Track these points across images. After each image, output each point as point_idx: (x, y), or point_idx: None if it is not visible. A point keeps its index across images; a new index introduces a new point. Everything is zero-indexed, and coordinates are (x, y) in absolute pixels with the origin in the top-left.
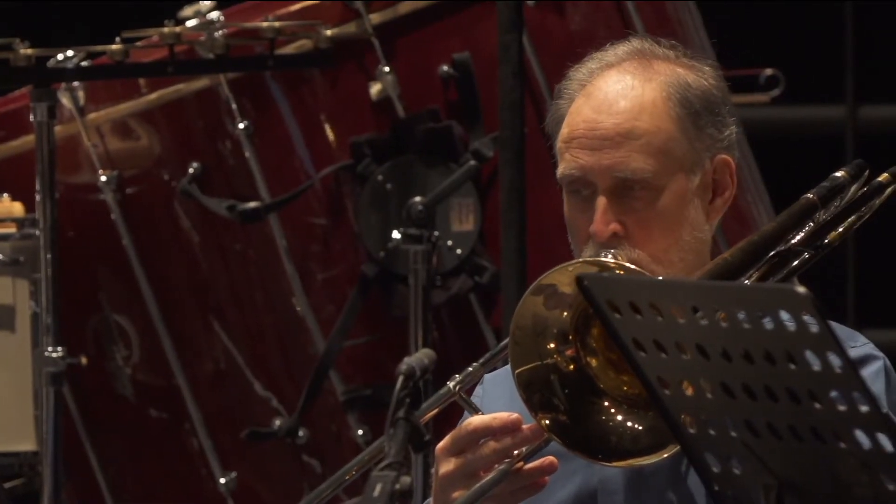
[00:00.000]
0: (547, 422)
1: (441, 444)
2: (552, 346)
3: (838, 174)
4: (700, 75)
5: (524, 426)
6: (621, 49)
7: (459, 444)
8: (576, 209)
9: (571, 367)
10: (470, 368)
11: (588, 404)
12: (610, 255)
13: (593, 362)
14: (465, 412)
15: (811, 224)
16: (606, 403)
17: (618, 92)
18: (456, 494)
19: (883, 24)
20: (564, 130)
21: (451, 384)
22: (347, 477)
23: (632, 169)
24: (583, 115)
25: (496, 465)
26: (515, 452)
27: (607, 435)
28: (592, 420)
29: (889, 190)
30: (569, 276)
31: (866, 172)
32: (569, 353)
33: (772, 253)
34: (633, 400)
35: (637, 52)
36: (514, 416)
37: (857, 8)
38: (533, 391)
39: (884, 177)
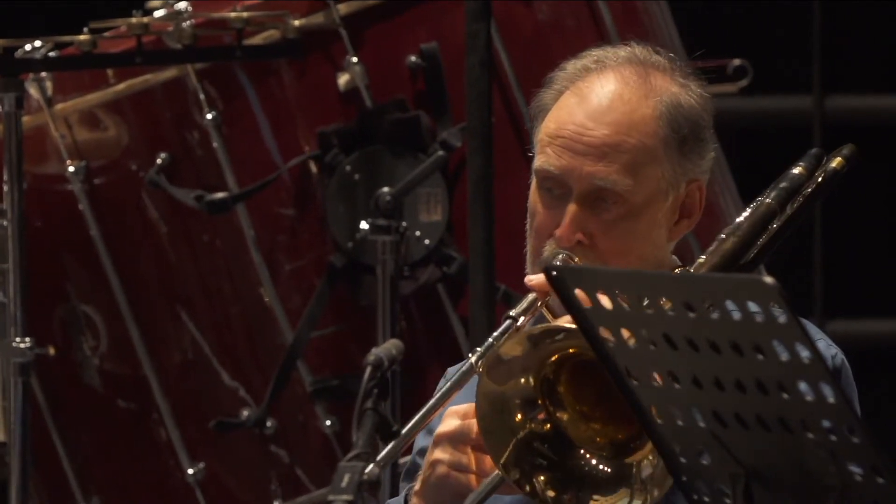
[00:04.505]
0: (542, 480)
1: (457, 407)
2: (520, 417)
3: (795, 171)
4: (691, 96)
5: None
6: (621, 53)
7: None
8: (543, 204)
9: (547, 426)
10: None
11: (571, 456)
12: (561, 258)
13: (564, 417)
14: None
15: (773, 226)
16: (584, 453)
17: (611, 101)
18: (443, 455)
19: (850, 15)
20: (551, 125)
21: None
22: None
23: (611, 181)
24: (574, 116)
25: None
26: None
27: (594, 480)
28: (578, 470)
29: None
30: (512, 343)
31: (824, 160)
32: (540, 416)
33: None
34: (604, 447)
35: (636, 61)
36: None
37: None
38: (522, 468)
39: (837, 162)
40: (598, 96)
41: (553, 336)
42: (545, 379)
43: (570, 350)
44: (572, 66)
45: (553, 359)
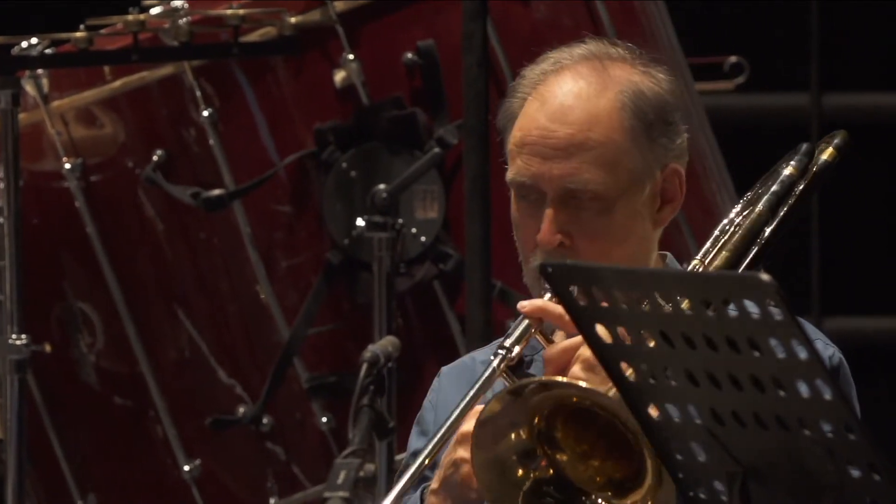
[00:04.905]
0: None
1: (481, 407)
2: (521, 472)
3: (786, 171)
4: (654, 82)
5: None
6: (576, 51)
7: None
8: (524, 213)
9: (550, 471)
10: None
11: (575, 494)
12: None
13: (563, 458)
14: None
15: (764, 233)
16: (586, 490)
17: (572, 100)
18: (466, 454)
19: (847, 13)
20: (517, 133)
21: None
22: None
23: (583, 180)
24: (536, 121)
25: None
26: None
27: None
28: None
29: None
30: (492, 403)
31: (815, 153)
32: (542, 464)
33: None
34: (603, 486)
35: (592, 55)
36: None
37: None
38: None
39: (829, 154)
40: (557, 97)
41: (531, 385)
42: (539, 430)
43: (574, 398)
44: (530, 71)
45: (545, 411)
